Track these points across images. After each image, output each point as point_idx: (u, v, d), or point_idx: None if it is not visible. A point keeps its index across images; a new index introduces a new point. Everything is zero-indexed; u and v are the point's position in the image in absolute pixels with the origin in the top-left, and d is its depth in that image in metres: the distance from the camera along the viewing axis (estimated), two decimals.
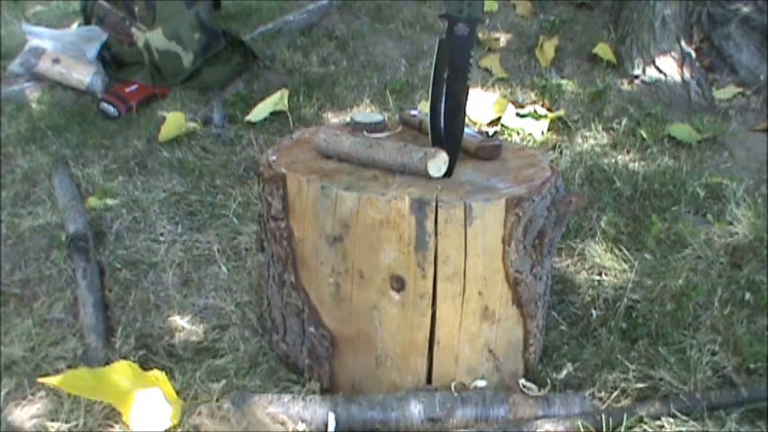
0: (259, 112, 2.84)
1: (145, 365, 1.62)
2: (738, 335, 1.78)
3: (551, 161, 1.70)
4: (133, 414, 1.49)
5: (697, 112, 3.03)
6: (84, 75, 2.94)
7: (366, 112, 2.76)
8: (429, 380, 1.56)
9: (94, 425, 1.53)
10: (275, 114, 2.85)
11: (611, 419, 1.48)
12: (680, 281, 1.96)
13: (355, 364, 1.58)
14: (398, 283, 1.46)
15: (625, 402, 1.60)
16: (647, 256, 2.10)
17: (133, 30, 3.01)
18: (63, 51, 2.99)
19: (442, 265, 1.44)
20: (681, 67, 3.20)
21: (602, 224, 2.22)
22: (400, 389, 1.54)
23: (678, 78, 3.18)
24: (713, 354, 1.73)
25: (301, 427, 1.45)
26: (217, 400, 1.55)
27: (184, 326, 1.84)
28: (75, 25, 3.43)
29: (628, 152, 2.71)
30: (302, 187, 1.48)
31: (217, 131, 2.76)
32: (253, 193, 2.38)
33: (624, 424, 1.49)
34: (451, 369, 1.55)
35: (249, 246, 2.13)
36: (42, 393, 1.61)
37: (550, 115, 2.88)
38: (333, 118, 2.89)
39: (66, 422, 1.53)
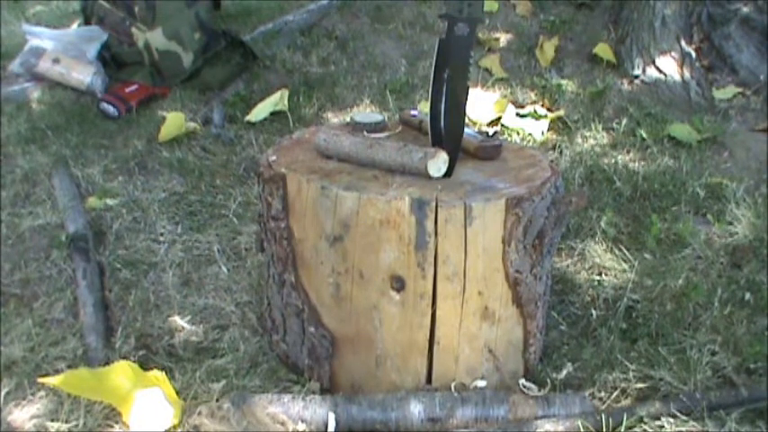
0: (259, 112, 2.84)
1: (145, 365, 1.62)
2: (738, 335, 1.78)
3: (551, 161, 1.70)
4: (133, 414, 1.49)
5: (697, 112, 3.02)
6: (85, 75, 2.94)
7: (366, 112, 2.76)
8: (429, 380, 1.56)
9: (94, 425, 1.53)
10: (275, 114, 2.85)
11: (611, 419, 1.48)
12: (680, 281, 1.96)
13: (355, 364, 1.58)
14: (398, 283, 1.46)
15: (625, 402, 1.60)
16: (647, 256, 2.10)
17: (133, 30, 3.01)
18: (63, 51, 2.99)
19: (442, 265, 1.44)
20: (681, 67, 3.20)
21: (602, 224, 2.22)
22: (400, 389, 1.54)
23: (678, 78, 3.18)
24: (713, 354, 1.73)
25: (301, 427, 1.45)
26: (217, 400, 1.55)
27: (184, 326, 1.84)
28: (75, 25, 3.43)
29: (628, 152, 2.71)
30: (302, 187, 1.48)
31: (217, 131, 2.76)
32: (253, 193, 2.38)
33: (624, 424, 1.49)
34: (451, 369, 1.55)
35: (249, 246, 2.13)
36: (42, 393, 1.61)
37: (550, 115, 2.88)
38: (333, 118, 2.89)
39: (66, 422, 1.53)
